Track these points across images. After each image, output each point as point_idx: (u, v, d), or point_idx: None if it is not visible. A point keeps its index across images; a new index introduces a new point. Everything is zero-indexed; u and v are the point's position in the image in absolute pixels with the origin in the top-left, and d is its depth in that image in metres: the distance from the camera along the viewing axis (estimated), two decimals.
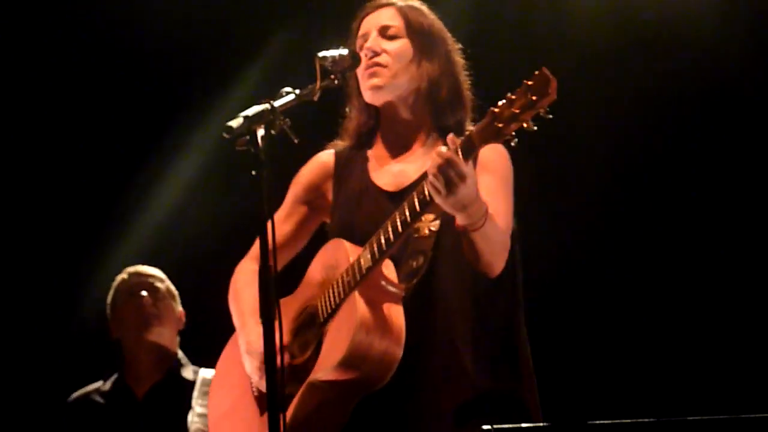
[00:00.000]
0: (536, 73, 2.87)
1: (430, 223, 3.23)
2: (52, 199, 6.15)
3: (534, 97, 2.85)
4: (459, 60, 3.50)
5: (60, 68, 6.09)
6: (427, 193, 3.05)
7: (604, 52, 5.68)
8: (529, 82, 2.87)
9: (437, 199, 3.00)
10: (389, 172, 3.45)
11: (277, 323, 2.90)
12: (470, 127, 3.27)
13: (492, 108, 2.94)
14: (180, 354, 4.95)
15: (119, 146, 6.13)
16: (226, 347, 3.63)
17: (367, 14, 3.52)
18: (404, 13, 3.47)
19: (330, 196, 3.55)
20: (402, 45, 3.43)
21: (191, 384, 4.85)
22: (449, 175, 2.95)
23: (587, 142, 5.67)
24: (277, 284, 2.96)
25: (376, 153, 3.51)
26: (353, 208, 3.43)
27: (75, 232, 6.09)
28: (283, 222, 3.56)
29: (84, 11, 5.98)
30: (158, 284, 4.96)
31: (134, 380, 4.89)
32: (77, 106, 6.12)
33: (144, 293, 4.89)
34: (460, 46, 3.52)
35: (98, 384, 4.95)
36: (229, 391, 3.56)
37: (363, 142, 3.54)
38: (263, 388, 3.30)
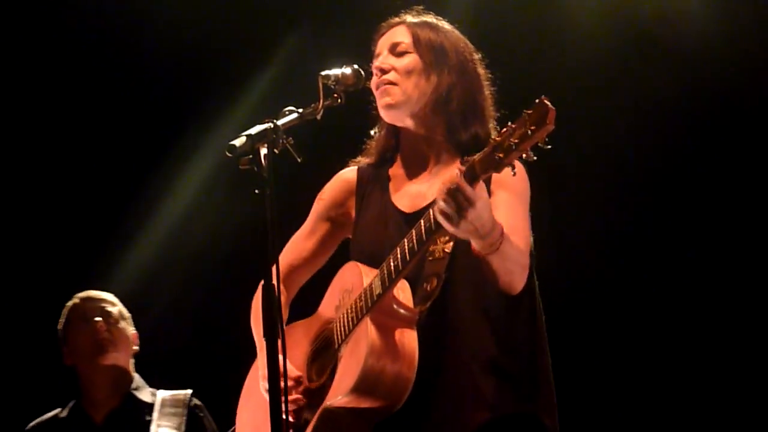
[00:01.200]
0: (536, 101, 2.89)
1: (444, 245, 3.23)
2: (57, 208, 6.13)
3: (533, 128, 2.86)
4: (477, 72, 3.52)
5: (65, 77, 6.09)
6: (432, 220, 3.07)
7: (606, 57, 5.78)
8: (529, 111, 2.88)
9: (448, 227, 3.01)
10: (408, 193, 3.48)
11: (280, 342, 2.93)
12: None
13: (493, 137, 2.99)
14: (136, 377, 4.93)
15: (127, 156, 6.13)
16: (251, 369, 3.65)
17: (382, 34, 3.56)
18: (413, 29, 3.50)
19: (353, 213, 3.58)
20: (410, 60, 3.45)
21: (149, 406, 4.84)
22: (458, 202, 2.95)
23: (590, 146, 5.78)
24: (297, 303, 2.97)
25: (397, 172, 3.54)
26: (373, 230, 3.46)
27: (79, 243, 6.07)
28: (306, 238, 3.62)
29: (94, 23, 6.00)
30: (111, 308, 4.93)
31: (92, 406, 4.85)
32: (84, 117, 6.13)
33: (98, 319, 4.86)
34: (479, 56, 3.53)
35: (56, 411, 4.91)
36: (253, 412, 3.59)
37: (386, 158, 3.57)
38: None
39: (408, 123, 3.48)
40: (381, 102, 3.45)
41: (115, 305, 4.98)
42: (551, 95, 2.88)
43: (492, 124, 3.46)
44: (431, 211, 3.07)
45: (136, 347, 4.97)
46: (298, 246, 3.62)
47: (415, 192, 3.45)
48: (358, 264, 3.36)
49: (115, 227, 6.18)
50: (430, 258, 3.25)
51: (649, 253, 5.89)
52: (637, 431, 5.84)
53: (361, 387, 3.16)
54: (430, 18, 3.57)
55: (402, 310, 3.24)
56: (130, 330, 4.97)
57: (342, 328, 3.33)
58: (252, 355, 3.59)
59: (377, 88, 3.45)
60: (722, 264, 5.80)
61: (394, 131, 3.55)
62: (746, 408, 5.61)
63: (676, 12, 5.69)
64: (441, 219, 3.00)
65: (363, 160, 3.63)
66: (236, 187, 5.74)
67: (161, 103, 6.13)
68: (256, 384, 3.55)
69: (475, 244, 3.08)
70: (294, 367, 3.42)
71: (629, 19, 5.77)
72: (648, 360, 5.82)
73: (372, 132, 3.61)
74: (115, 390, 4.85)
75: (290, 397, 3.29)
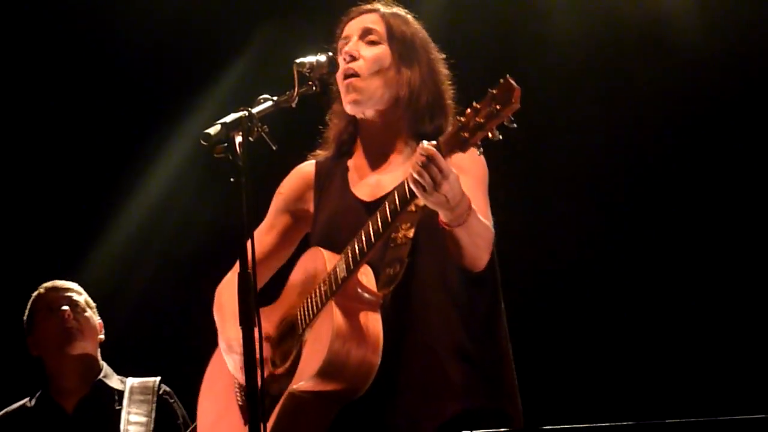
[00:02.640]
0: (501, 81, 2.90)
1: (406, 231, 3.25)
2: (27, 199, 6.13)
3: (498, 107, 2.87)
4: (442, 70, 3.53)
5: (34, 67, 6.05)
6: (397, 201, 3.10)
7: (586, 55, 5.74)
8: (494, 91, 2.90)
9: (422, 197, 3.04)
10: (368, 183, 3.48)
11: (257, 330, 2.89)
12: None
13: (458, 117, 2.99)
14: (104, 365, 4.93)
15: (98, 147, 6.09)
16: (213, 358, 3.66)
17: (351, 18, 3.54)
18: (387, 19, 3.50)
19: (311, 206, 3.57)
20: (381, 51, 3.46)
21: (120, 393, 4.86)
22: (433, 172, 2.98)
23: (570, 143, 5.72)
24: (262, 293, 2.96)
25: (356, 163, 3.54)
26: (334, 220, 3.45)
27: (50, 233, 6.06)
28: (266, 233, 3.60)
29: (64, 12, 5.97)
30: (77, 297, 4.92)
31: (61, 395, 4.84)
32: (57, 108, 6.09)
33: (65, 308, 4.84)
34: (443, 56, 3.55)
35: (23, 401, 4.89)
36: (215, 401, 3.60)
37: (343, 150, 3.56)
38: None
39: (372, 116, 3.48)
40: (347, 98, 3.44)
41: (81, 294, 4.96)
42: (530, 87, 2.91)
43: (453, 120, 3.41)
44: (395, 192, 3.10)
45: (102, 336, 4.96)
46: (260, 241, 3.55)
47: (375, 182, 3.46)
48: (321, 249, 3.36)
49: (86, 217, 6.16)
50: (392, 245, 3.26)
51: (628, 251, 5.86)
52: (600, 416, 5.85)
53: (326, 371, 3.17)
54: (401, 11, 3.57)
55: (366, 294, 3.25)
56: (96, 319, 4.95)
57: (306, 313, 3.33)
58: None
59: (344, 77, 3.44)
60: (705, 262, 5.77)
61: (353, 121, 3.55)
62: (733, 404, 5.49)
63: (657, 7, 5.68)
64: (415, 188, 3.02)
65: (321, 153, 3.62)
66: (209, 178, 5.77)
67: (134, 93, 6.11)
68: (218, 372, 3.56)
69: (444, 216, 3.11)
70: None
71: (609, 14, 5.74)
72: (609, 346, 5.81)
73: (327, 119, 3.59)
74: (84, 378, 4.85)
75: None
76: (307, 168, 3.63)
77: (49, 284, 4.97)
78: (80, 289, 4.99)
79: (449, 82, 3.54)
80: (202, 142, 2.99)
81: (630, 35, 5.75)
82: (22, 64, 6.10)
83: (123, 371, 4.96)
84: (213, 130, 2.99)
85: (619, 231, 5.80)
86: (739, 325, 5.64)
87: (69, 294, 4.92)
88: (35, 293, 4.96)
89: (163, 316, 5.18)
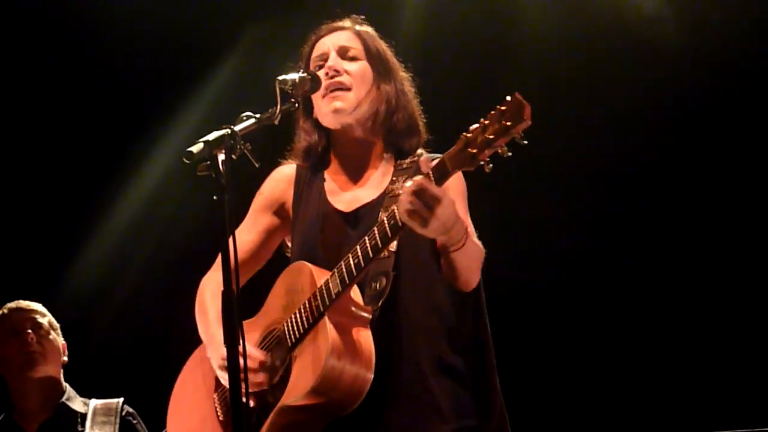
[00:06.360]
0: (508, 98, 2.87)
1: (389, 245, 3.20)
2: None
3: (509, 123, 2.83)
4: (411, 88, 3.57)
5: (21, 73, 6.06)
6: (398, 217, 3.05)
7: (568, 69, 5.84)
8: (502, 108, 2.86)
9: (419, 229, 2.99)
10: (344, 196, 3.48)
11: (240, 348, 2.89)
12: (422, 152, 3.39)
13: (464, 134, 2.95)
14: (68, 387, 4.90)
15: (85, 151, 6.10)
16: (187, 366, 3.64)
17: (322, 36, 3.56)
18: (362, 36, 3.53)
19: (290, 209, 3.55)
20: (363, 67, 3.49)
21: (82, 416, 4.83)
22: (425, 202, 2.96)
23: (555, 147, 5.77)
24: (241, 302, 2.90)
25: (332, 176, 3.54)
26: (314, 232, 3.43)
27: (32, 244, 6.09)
28: (248, 233, 3.55)
29: (48, 17, 5.99)
30: (41, 319, 4.89)
31: (23, 418, 4.81)
32: (45, 113, 6.10)
33: (29, 331, 4.81)
34: (409, 74, 3.60)
35: None
36: (191, 412, 3.57)
37: (317, 162, 3.56)
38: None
39: (350, 128, 3.49)
40: (331, 106, 3.45)
41: (44, 316, 4.93)
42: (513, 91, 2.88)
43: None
44: (395, 210, 3.06)
45: (65, 358, 4.94)
46: (241, 240, 3.44)
47: (351, 197, 3.47)
48: (308, 264, 3.33)
49: (69, 227, 6.20)
50: (377, 258, 3.21)
51: (602, 259, 5.96)
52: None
53: (321, 387, 3.14)
54: (369, 29, 3.61)
55: (358, 310, 3.23)
56: (60, 341, 4.93)
57: (295, 328, 3.29)
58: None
59: (327, 90, 3.45)
60: (692, 263, 5.88)
61: (324, 132, 3.56)
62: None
63: (636, 13, 5.78)
64: (407, 219, 2.99)
65: (294, 162, 3.63)
66: (194, 186, 5.72)
67: (119, 94, 6.15)
68: (194, 384, 3.56)
69: (442, 241, 3.11)
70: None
71: (590, 19, 5.85)
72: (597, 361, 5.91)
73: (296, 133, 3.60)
74: (47, 401, 4.82)
75: (257, 380, 3.31)
76: (288, 169, 3.62)
77: (12, 305, 4.94)
78: (44, 310, 4.96)
79: (417, 100, 3.57)
80: (185, 160, 2.96)
81: (610, 39, 5.84)
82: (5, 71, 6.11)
83: (106, 384, 4.93)
84: (196, 148, 2.96)
85: (603, 231, 5.90)
86: (738, 326, 5.73)
87: (33, 316, 4.89)
88: None
89: (145, 326, 5.18)
